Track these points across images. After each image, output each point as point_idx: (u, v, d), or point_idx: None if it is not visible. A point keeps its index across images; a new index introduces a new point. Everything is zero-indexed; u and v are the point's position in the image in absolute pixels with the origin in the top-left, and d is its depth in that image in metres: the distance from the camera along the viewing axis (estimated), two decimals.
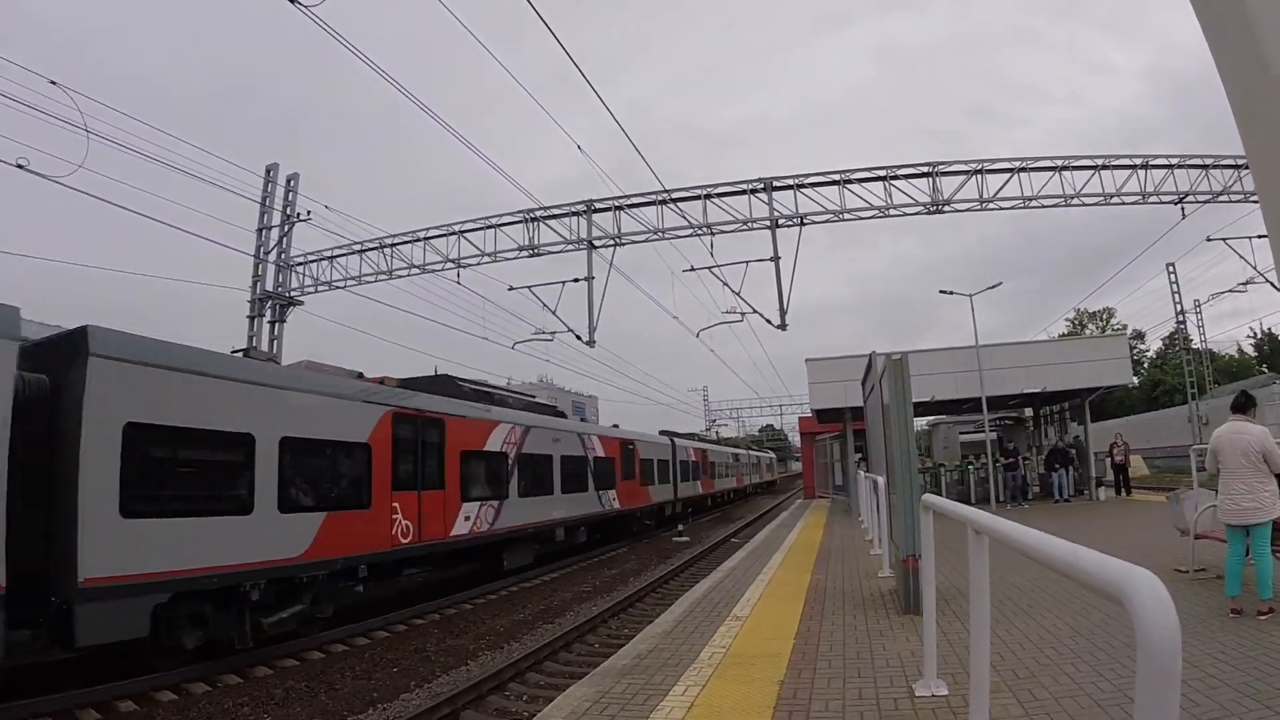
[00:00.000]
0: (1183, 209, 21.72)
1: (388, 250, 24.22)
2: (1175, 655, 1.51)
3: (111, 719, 8.53)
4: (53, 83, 15.00)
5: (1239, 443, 6.94)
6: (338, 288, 25.13)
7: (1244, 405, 7.32)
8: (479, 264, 23.19)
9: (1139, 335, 70.72)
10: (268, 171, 24.64)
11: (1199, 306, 47.12)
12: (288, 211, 24.64)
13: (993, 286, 24.05)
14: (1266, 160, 1.53)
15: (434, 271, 23.74)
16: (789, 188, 21.09)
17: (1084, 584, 1.89)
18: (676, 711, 5.23)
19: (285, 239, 24.96)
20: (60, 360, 8.77)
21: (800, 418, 44.49)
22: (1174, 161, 21.52)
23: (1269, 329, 65.88)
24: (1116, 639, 6.25)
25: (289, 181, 24.90)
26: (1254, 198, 22.29)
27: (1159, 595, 1.58)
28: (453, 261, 23.26)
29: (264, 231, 24.55)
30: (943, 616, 7.13)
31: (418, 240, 23.82)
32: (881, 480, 10.83)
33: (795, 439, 46.21)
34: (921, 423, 37.30)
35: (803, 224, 20.98)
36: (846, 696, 5.39)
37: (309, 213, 24.09)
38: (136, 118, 39.99)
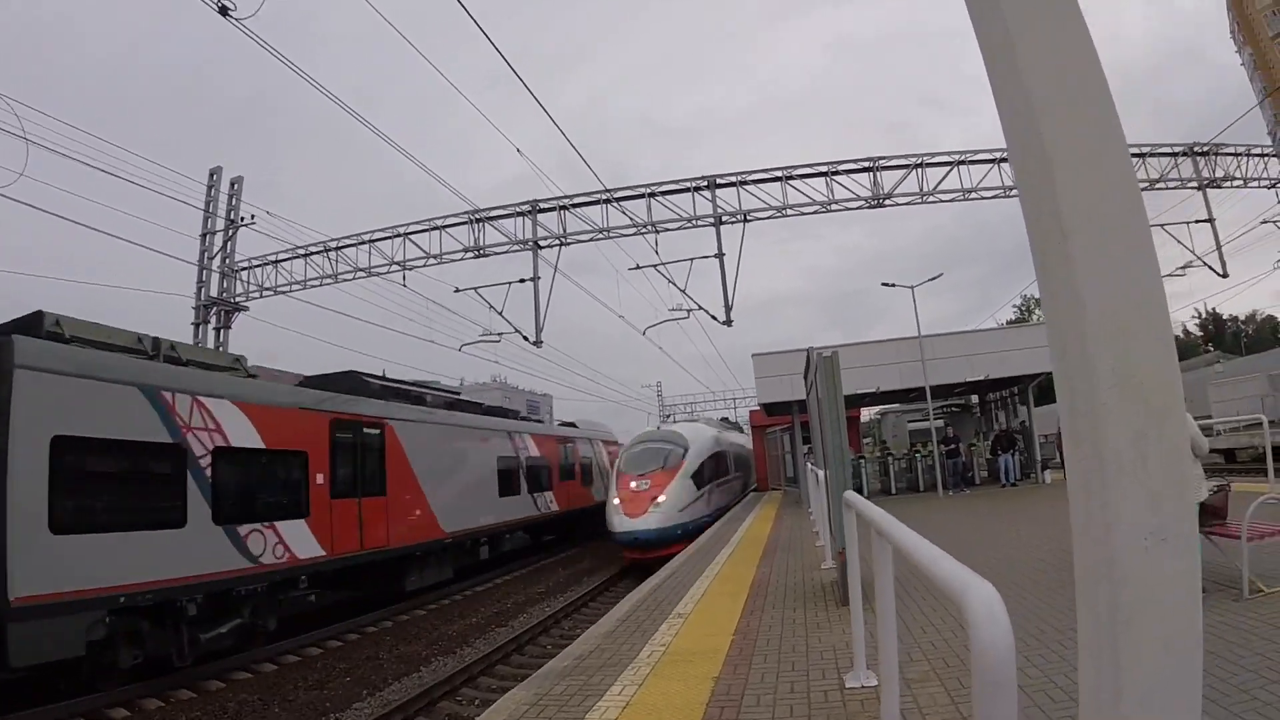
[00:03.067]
0: None
1: (333, 254, 23.89)
2: (1009, 666, 1.53)
3: None
4: None
5: None
6: (282, 293, 24.75)
7: None
8: (425, 266, 22.99)
9: None
10: (211, 175, 24.22)
11: None
12: (231, 216, 24.23)
13: (933, 278, 24.50)
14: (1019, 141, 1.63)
15: (380, 274, 23.52)
16: (732, 185, 21.23)
17: (939, 589, 1.99)
18: (612, 711, 5.31)
19: (229, 244, 24.54)
20: None
21: (751, 411, 44.67)
22: None
23: (1213, 309, 67.77)
24: (1048, 625, 6.45)
25: (233, 185, 24.47)
26: (1190, 184, 22.97)
27: (993, 608, 1.57)
28: (398, 264, 23.04)
29: (208, 236, 24.12)
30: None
31: (363, 243, 23.54)
32: (823, 473, 11.00)
33: (748, 430, 45.98)
34: (871, 412, 37.84)
35: (746, 220, 21.16)
36: (779, 690, 5.51)
37: (253, 217, 23.74)
38: (78, 126, 39.05)
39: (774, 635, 7.11)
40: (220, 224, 24.11)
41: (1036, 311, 77.64)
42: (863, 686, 5.37)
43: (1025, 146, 1.58)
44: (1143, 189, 22.21)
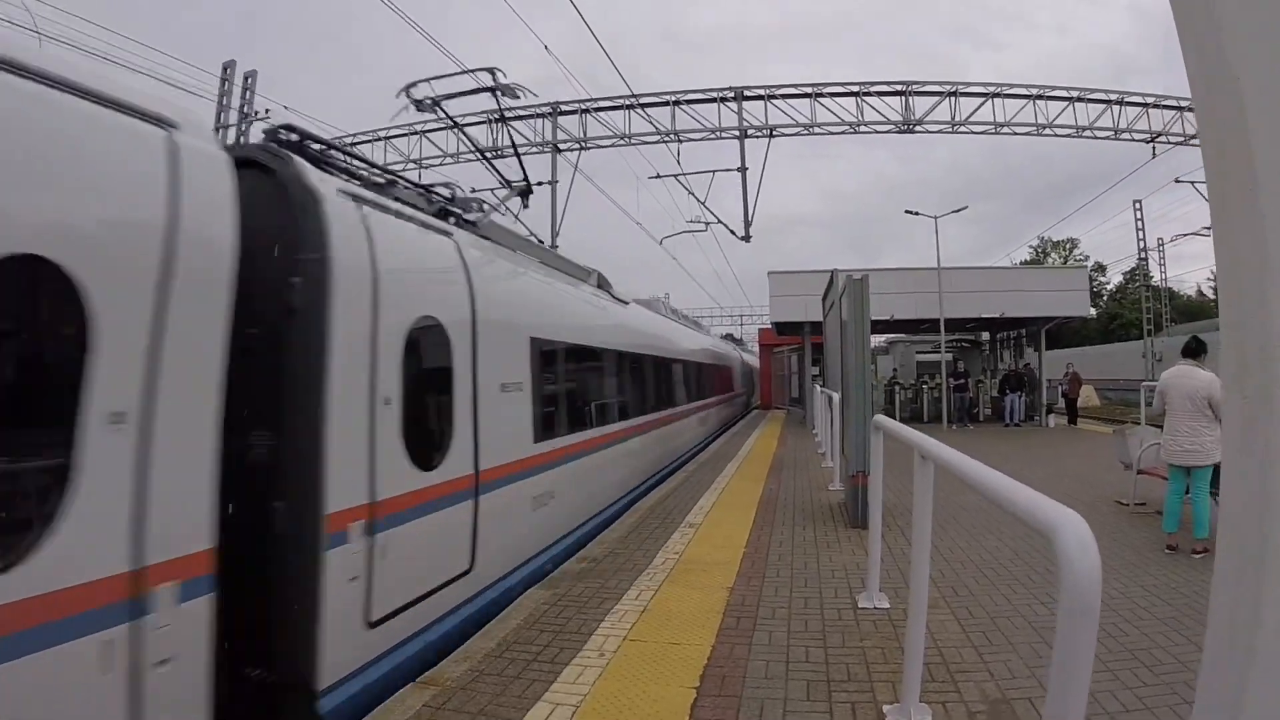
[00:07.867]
0: (1154, 148, 21.84)
1: (348, 149, 23.59)
2: (1095, 593, 1.62)
3: None
4: None
5: (1185, 387, 7.17)
6: None
7: (1195, 351, 7.49)
8: (441, 165, 22.73)
9: (1100, 268, 71.68)
10: (224, 69, 23.67)
11: (1162, 245, 47.46)
12: (245, 110, 23.75)
13: (958, 210, 24.11)
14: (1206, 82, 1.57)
15: (395, 173, 23.21)
16: (759, 98, 20.77)
17: (1017, 518, 2.00)
18: (630, 615, 5.41)
19: (243, 138, 24.11)
20: None
21: (760, 329, 44.51)
22: (1149, 101, 21.51)
23: None
24: (1054, 566, 6.50)
25: (247, 79, 23.94)
26: None
27: (1084, 538, 1.68)
28: (415, 162, 22.76)
29: (221, 131, 23.69)
30: (889, 531, 7.39)
31: (379, 139, 23.22)
32: (836, 396, 11.02)
33: (754, 348, 45.76)
34: (879, 340, 37.72)
35: (772, 136, 20.76)
36: (793, 605, 5.61)
37: (267, 111, 23.27)
38: (89, 19, 38.02)
39: (784, 551, 7.23)
40: (234, 118, 23.64)
41: (1052, 255, 76.88)
42: (875, 608, 5.47)
43: (1214, 88, 1.51)
44: (1177, 143, 21.88)
